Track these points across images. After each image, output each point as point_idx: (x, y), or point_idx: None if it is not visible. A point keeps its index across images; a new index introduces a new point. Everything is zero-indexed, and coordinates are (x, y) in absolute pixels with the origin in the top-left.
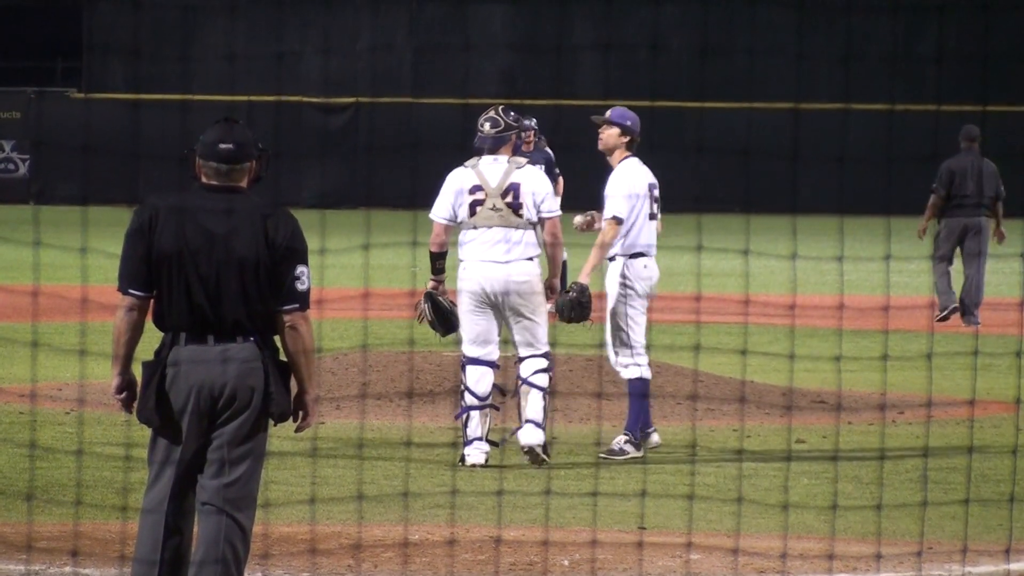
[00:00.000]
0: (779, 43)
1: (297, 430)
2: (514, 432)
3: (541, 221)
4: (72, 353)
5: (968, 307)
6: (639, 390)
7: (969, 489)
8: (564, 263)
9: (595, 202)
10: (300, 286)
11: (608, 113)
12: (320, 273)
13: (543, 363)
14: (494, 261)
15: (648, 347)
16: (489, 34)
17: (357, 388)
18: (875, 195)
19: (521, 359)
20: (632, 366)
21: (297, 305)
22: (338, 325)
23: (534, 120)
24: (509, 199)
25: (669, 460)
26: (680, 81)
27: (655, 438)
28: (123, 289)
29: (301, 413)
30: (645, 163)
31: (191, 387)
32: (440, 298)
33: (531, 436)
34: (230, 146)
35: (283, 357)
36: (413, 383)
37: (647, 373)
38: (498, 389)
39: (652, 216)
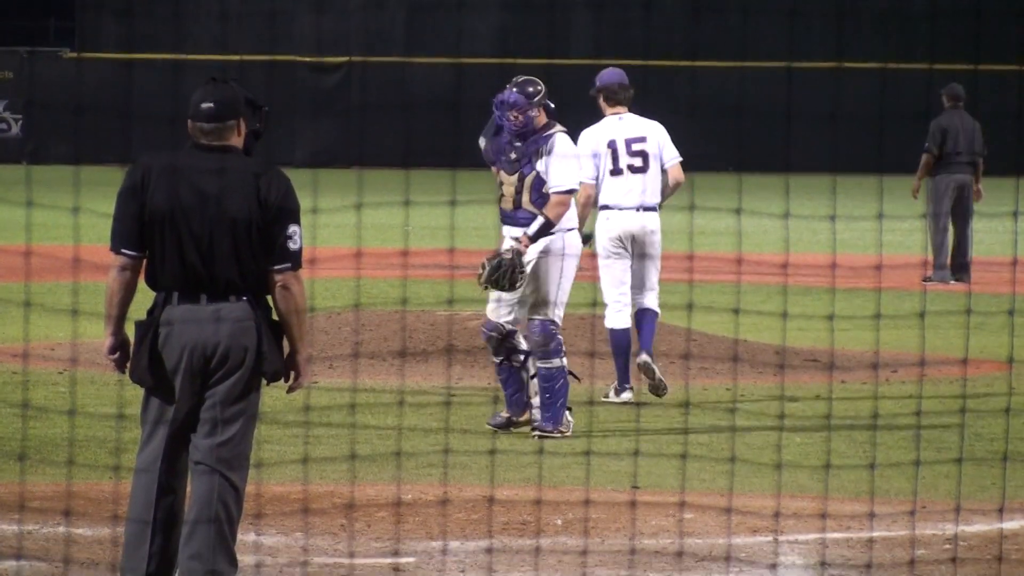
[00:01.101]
0: (772, 1)
1: (289, 390)
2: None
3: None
4: (65, 313)
5: (965, 265)
6: (617, 342)
7: (962, 448)
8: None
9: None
10: (292, 245)
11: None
12: (312, 232)
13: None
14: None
15: (618, 300)
16: None
17: (350, 347)
18: (868, 154)
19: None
20: (608, 316)
21: (289, 264)
22: (331, 284)
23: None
24: None
25: (663, 419)
26: (673, 40)
27: (627, 395)
28: (115, 249)
29: (293, 373)
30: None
31: (184, 346)
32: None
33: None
34: (211, 105)
35: (276, 317)
36: (406, 342)
37: (612, 323)
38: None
39: (616, 171)
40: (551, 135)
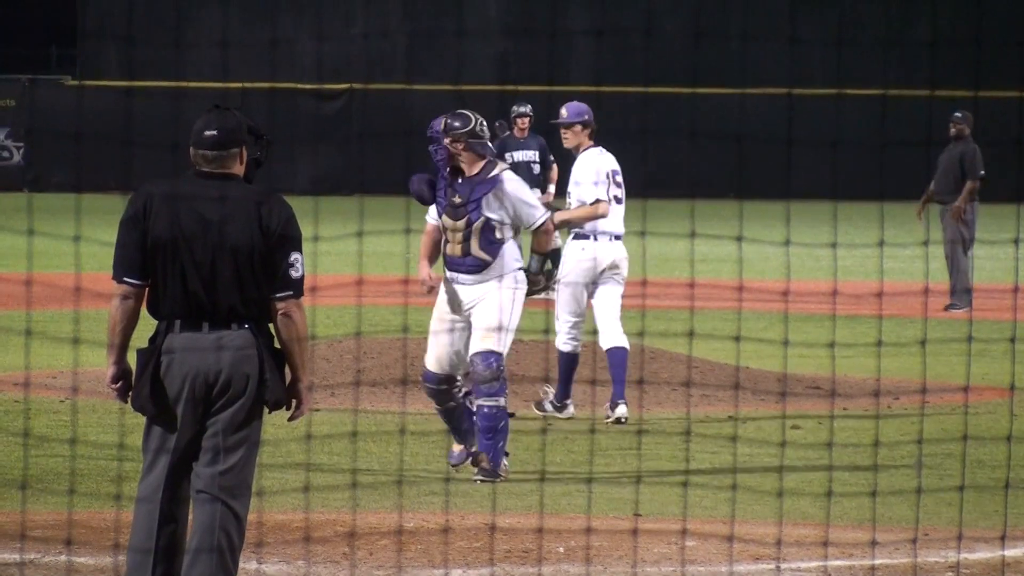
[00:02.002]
0: (773, 28)
1: (291, 419)
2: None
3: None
4: (66, 341)
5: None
6: (564, 363)
7: (964, 475)
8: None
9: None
10: (294, 273)
11: (565, 113)
12: (314, 260)
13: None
14: None
15: (575, 326)
16: (483, 20)
17: (351, 375)
18: (869, 180)
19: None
20: (559, 340)
21: (291, 292)
22: (332, 312)
23: (528, 106)
24: None
25: (664, 446)
26: (674, 66)
27: (570, 411)
28: (118, 277)
29: (295, 402)
30: (620, 149)
31: (186, 375)
32: None
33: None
34: (214, 133)
35: (278, 344)
36: (407, 370)
37: (563, 347)
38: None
39: (617, 200)
40: (497, 178)
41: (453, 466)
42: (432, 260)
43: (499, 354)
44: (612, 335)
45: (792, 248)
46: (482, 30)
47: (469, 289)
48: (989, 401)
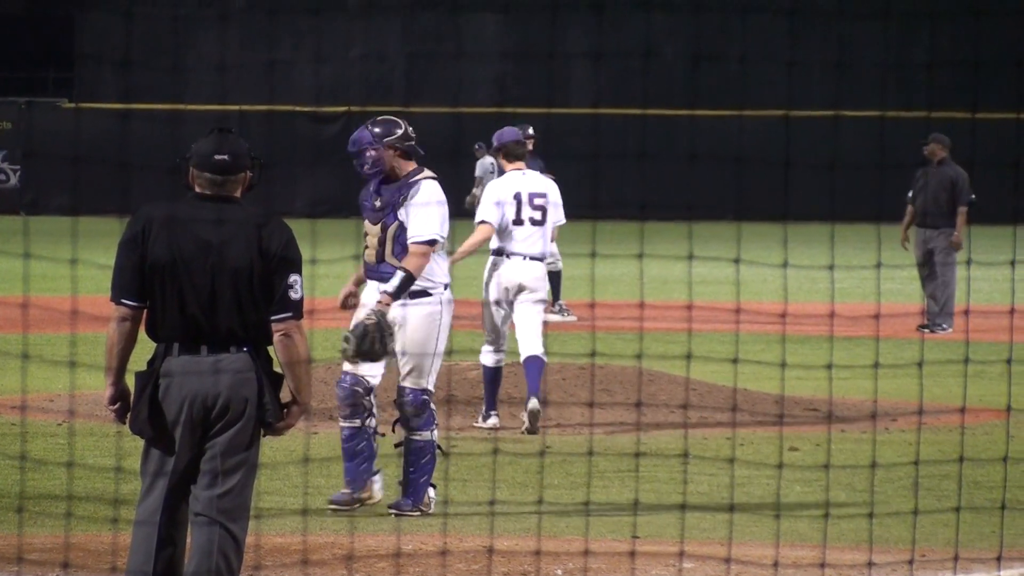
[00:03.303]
0: (771, 50)
1: (275, 431)
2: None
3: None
4: (63, 364)
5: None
6: (488, 377)
7: (961, 496)
8: (559, 272)
9: (586, 209)
10: (293, 295)
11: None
12: (312, 283)
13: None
14: None
15: (492, 342)
16: (481, 42)
17: None
18: (866, 202)
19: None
20: (483, 355)
21: (290, 314)
22: (330, 335)
23: (531, 128)
24: None
25: (662, 469)
26: (672, 89)
27: (492, 420)
28: (116, 299)
29: (286, 412)
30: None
31: (184, 397)
32: None
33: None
34: (225, 157)
35: (277, 367)
36: None
37: (485, 361)
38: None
39: (517, 222)
40: (416, 182)
41: (331, 503)
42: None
43: (427, 389)
44: (527, 346)
45: (789, 270)
46: (480, 53)
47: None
48: (986, 422)
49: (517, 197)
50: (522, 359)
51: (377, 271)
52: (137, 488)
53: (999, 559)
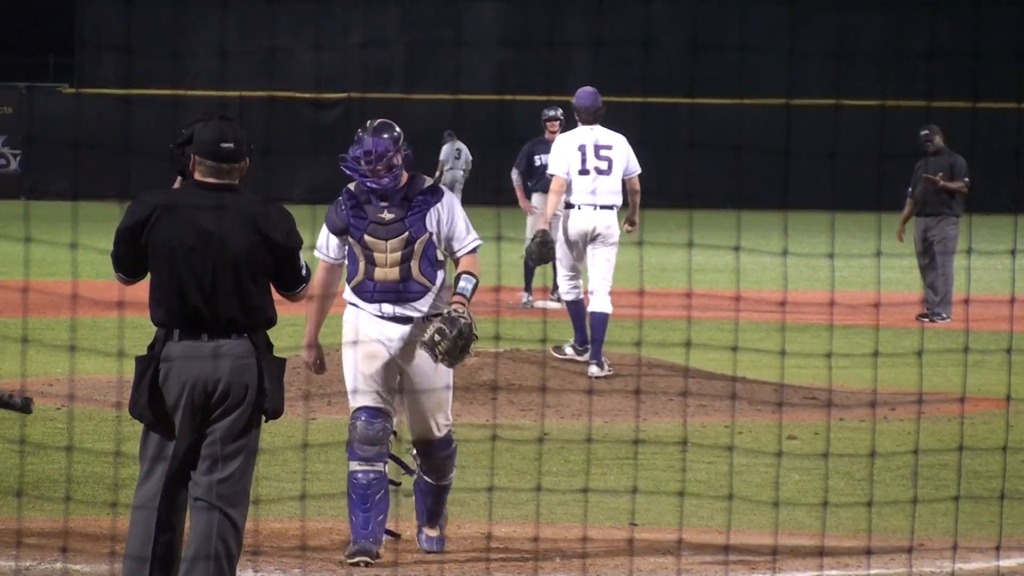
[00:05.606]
0: (771, 39)
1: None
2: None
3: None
4: (62, 349)
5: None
6: (571, 311)
7: (960, 486)
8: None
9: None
10: (302, 272)
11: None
12: (313, 268)
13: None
14: None
15: (571, 279)
16: (481, 30)
17: None
18: (866, 191)
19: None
20: (563, 291)
21: (304, 284)
22: (330, 321)
23: (559, 109)
24: None
25: (660, 456)
26: (672, 77)
27: (594, 370)
28: (117, 270)
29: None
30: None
31: (184, 383)
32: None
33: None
34: (231, 145)
35: (276, 354)
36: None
37: (567, 297)
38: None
39: (583, 172)
40: (434, 187)
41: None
42: (322, 321)
43: (451, 425)
44: (595, 300)
45: (789, 258)
46: (480, 40)
47: (397, 328)
48: (985, 412)
49: (582, 149)
50: (589, 310)
51: (404, 290)
52: (136, 473)
53: (998, 548)
